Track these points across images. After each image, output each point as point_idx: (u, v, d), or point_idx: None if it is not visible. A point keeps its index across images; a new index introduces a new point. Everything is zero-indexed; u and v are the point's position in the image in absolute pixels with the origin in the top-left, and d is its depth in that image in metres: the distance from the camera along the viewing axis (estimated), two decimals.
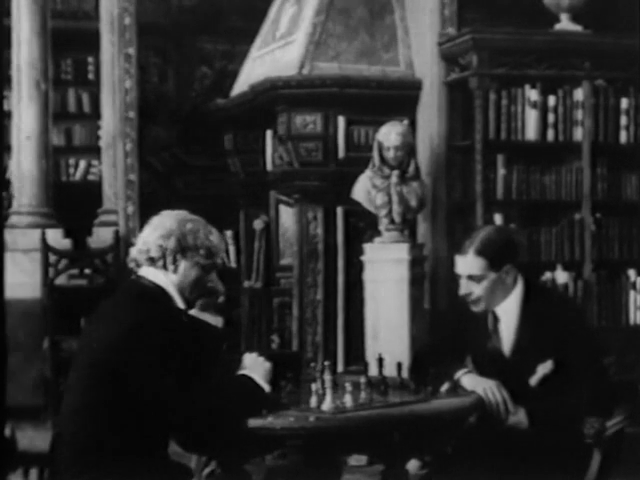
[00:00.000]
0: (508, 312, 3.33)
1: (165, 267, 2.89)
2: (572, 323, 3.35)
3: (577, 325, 3.38)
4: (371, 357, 3.88)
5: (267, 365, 2.95)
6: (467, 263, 3.30)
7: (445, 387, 3.24)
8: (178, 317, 2.91)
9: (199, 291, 2.95)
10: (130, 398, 2.71)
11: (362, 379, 3.09)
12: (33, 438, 3.65)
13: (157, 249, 2.89)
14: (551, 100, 5.14)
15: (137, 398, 2.71)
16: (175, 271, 2.89)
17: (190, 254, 2.90)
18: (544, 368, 3.25)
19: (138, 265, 2.93)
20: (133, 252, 2.94)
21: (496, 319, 3.35)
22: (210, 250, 2.93)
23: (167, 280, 2.89)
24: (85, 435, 2.75)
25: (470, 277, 3.30)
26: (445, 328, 3.74)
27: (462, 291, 3.33)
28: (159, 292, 2.89)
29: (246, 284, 5.88)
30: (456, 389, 3.25)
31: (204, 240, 2.92)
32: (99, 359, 2.76)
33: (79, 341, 3.03)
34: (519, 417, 3.22)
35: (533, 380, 3.26)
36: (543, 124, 5.13)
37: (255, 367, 2.94)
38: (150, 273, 2.90)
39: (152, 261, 2.89)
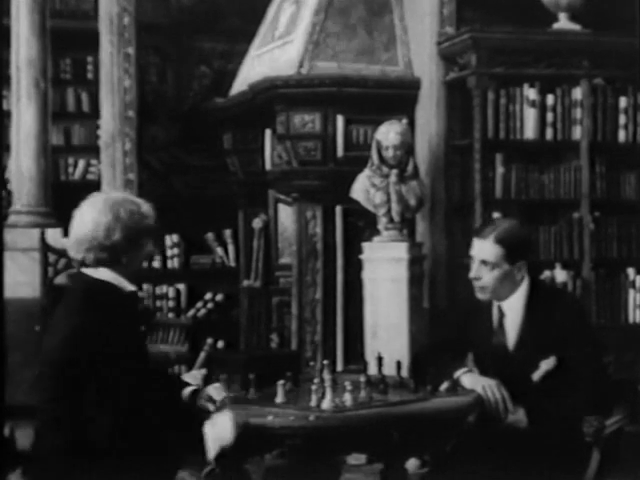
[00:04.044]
0: (514, 308, 3.35)
1: (113, 262, 2.79)
2: (575, 321, 3.36)
3: (579, 323, 3.39)
4: (370, 356, 3.89)
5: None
6: (484, 248, 3.31)
7: (445, 386, 3.25)
8: (125, 311, 2.83)
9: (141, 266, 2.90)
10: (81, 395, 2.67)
11: (361, 378, 3.10)
12: (32, 437, 3.65)
13: (101, 249, 2.78)
14: (550, 99, 5.14)
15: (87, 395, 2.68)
16: (122, 261, 2.80)
17: (134, 241, 2.81)
18: (547, 364, 3.27)
19: (84, 264, 2.82)
20: (76, 253, 2.80)
21: (502, 315, 3.37)
22: (149, 229, 2.85)
23: (113, 271, 2.80)
24: (42, 436, 2.75)
25: (483, 262, 3.31)
26: (446, 327, 3.74)
27: (472, 274, 3.34)
28: (104, 287, 2.79)
29: (245, 283, 5.87)
30: (455, 388, 3.26)
31: (141, 220, 2.82)
32: (48, 360, 2.72)
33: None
34: (518, 416, 3.23)
35: (536, 375, 3.27)
36: (542, 123, 5.13)
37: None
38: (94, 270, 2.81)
39: (99, 262, 2.79)
